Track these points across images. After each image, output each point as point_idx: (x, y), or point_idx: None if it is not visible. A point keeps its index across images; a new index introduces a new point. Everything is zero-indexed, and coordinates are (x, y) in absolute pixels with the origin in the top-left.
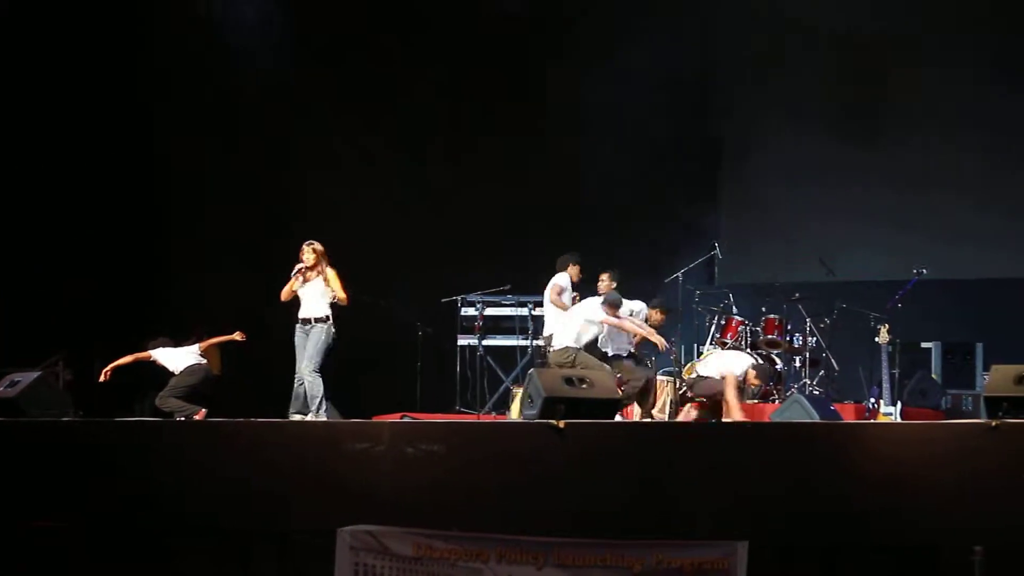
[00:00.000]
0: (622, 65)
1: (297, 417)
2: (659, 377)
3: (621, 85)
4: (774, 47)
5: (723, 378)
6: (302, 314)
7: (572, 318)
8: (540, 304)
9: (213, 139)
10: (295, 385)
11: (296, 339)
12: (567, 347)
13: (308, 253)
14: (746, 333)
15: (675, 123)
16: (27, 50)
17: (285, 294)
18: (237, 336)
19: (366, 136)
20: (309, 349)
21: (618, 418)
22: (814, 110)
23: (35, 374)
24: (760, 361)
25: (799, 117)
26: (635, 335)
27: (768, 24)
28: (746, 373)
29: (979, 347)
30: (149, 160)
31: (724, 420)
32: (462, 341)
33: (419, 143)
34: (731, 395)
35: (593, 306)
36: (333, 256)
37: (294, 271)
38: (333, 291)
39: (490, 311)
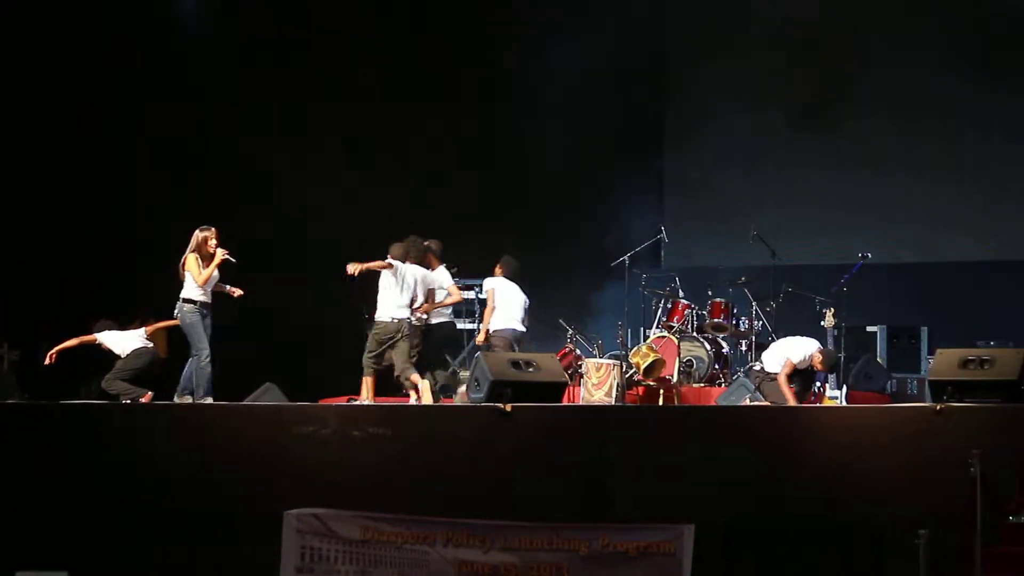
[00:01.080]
0: (567, 47)
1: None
2: (606, 360)
3: (566, 67)
4: (723, 29)
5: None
6: (206, 298)
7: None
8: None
9: (165, 131)
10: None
11: (193, 321)
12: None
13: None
14: (692, 316)
15: (621, 105)
16: None
17: (207, 278)
18: None
19: (310, 122)
20: (208, 332)
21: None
22: (763, 93)
23: None
24: (825, 347)
25: (748, 100)
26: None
27: (718, 5)
28: (811, 357)
29: (924, 331)
30: (100, 148)
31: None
32: None
33: (364, 128)
34: (782, 379)
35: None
36: (282, 240)
37: (223, 255)
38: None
39: None
